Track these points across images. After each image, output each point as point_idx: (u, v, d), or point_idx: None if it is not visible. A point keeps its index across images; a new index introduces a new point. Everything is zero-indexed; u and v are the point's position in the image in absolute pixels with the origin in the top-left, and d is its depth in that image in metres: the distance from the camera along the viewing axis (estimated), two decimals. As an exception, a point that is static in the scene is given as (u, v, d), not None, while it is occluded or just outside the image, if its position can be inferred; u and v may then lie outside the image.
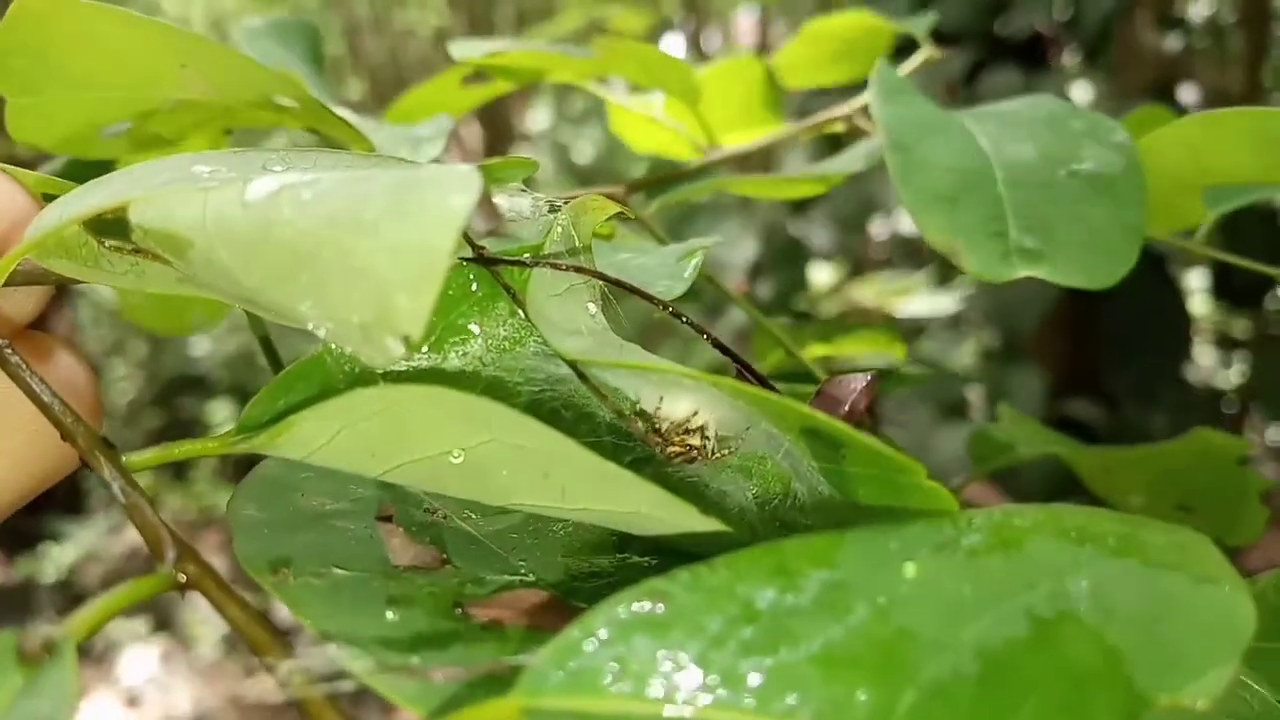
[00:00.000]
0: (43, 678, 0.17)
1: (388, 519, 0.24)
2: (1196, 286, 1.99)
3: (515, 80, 0.52)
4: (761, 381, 0.24)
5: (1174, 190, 0.42)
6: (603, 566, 0.24)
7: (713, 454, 0.23)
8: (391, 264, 0.16)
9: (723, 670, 0.17)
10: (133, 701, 2.77)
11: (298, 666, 0.18)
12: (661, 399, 0.23)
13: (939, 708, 0.17)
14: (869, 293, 1.77)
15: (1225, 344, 2.08)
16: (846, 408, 0.23)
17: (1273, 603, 0.32)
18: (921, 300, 1.72)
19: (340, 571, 0.22)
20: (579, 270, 0.24)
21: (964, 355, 1.67)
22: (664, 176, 0.52)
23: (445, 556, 0.24)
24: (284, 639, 0.19)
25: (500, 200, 0.25)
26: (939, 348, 1.64)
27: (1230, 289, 1.53)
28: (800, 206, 1.70)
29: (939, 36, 0.56)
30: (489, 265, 0.24)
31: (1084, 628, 0.19)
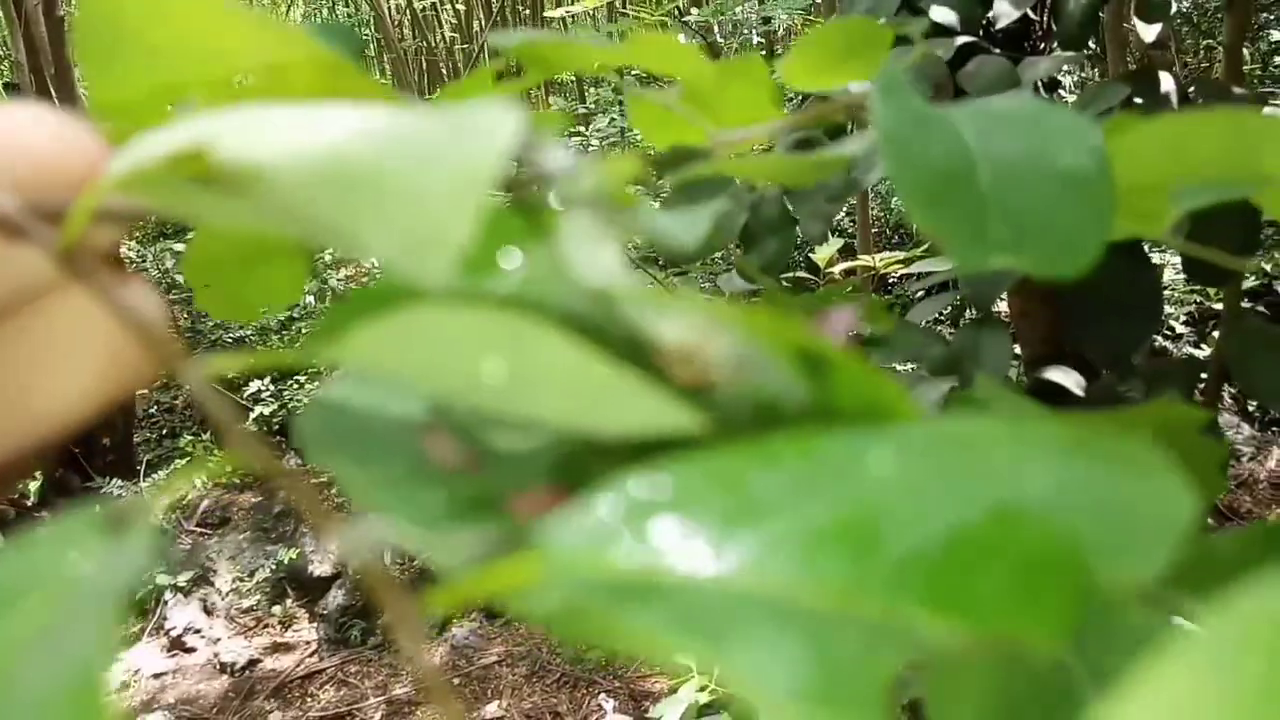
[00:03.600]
0: (121, 544, 0.19)
1: (431, 429, 0.26)
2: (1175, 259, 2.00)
3: (545, 71, 0.53)
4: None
5: (1148, 185, 0.44)
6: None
7: (720, 384, 0.25)
8: (442, 186, 0.18)
9: (715, 538, 0.19)
10: (174, 648, 2.83)
11: (356, 534, 0.20)
12: (676, 333, 0.25)
13: (908, 574, 0.19)
14: (874, 262, 1.79)
15: (1204, 318, 2.09)
16: (837, 333, 0.25)
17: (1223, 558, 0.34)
18: (918, 267, 1.73)
19: (392, 466, 0.24)
20: (609, 215, 0.26)
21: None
22: (677, 157, 0.54)
23: (483, 464, 0.25)
24: (341, 516, 0.21)
25: (539, 152, 0.27)
26: (925, 312, 1.66)
27: (1201, 269, 1.54)
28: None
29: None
30: (523, 207, 0.26)
31: (1037, 514, 0.20)
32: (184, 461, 3.69)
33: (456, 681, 2.65)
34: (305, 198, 0.21)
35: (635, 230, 0.28)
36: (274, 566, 3.14)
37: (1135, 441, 0.23)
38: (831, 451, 0.21)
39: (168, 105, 0.37)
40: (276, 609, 3.07)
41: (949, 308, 1.73)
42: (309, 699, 2.69)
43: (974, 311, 1.59)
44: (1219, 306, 2.00)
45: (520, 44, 0.50)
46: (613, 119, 6.71)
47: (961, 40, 1.59)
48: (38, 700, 0.15)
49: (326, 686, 2.73)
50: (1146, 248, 1.53)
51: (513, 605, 0.19)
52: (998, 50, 1.60)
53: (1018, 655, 0.21)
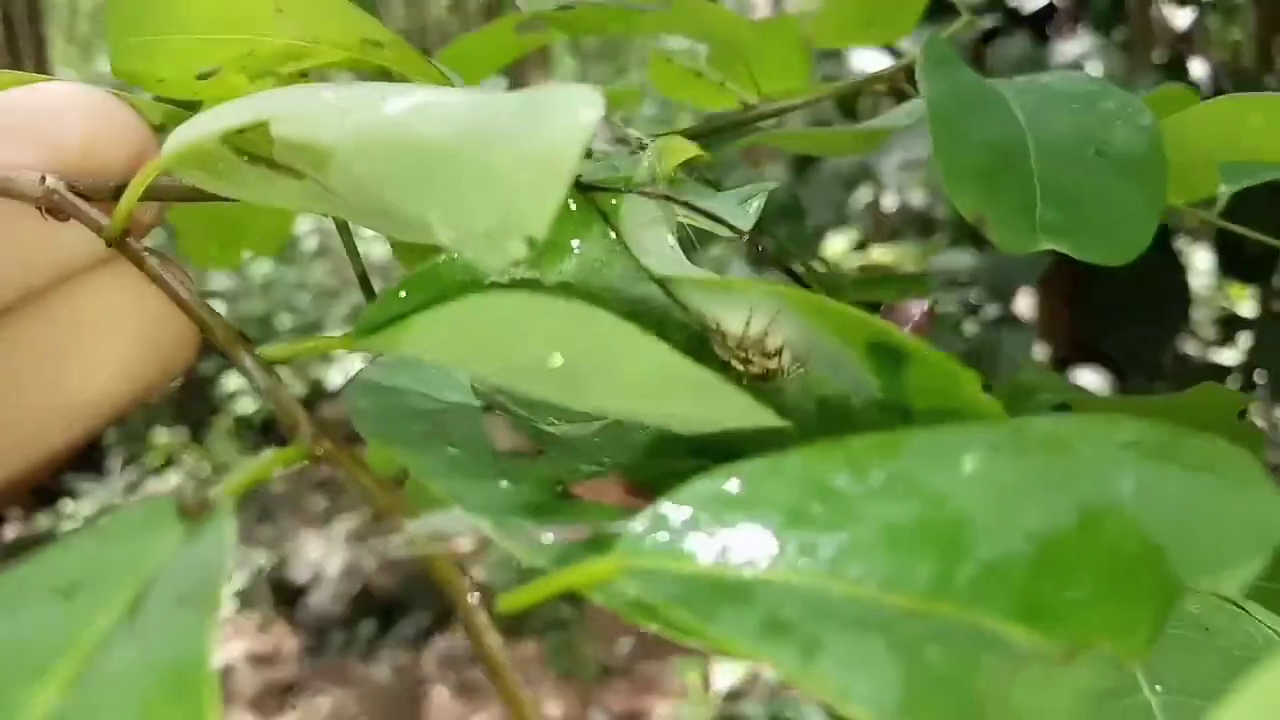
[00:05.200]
0: (201, 531, 0.19)
1: (489, 409, 0.27)
2: (1202, 266, 2.00)
3: (570, 32, 0.54)
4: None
5: (1195, 164, 0.44)
6: (680, 469, 0.26)
7: (786, 374, 0.26)
8: (521, 171, 0.18)
9: (798, 542, 0.19)
10: None
11: (426, 525, 0.20)
12: (742, 320, 0.25)
13: (994, 582, 0.19)
14: (888, 257, 1.79)
15: (1230, 322, 2.09)
16: (911, 326, 0.25)
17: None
18: (936, 262, 1.74)
19: (453, 450, 0.24)
20: (667, 198, 0.26)
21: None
22: (714, 128, 0.54)
23: (541, 447, 0.26)
24: (412, 508, 0.21)
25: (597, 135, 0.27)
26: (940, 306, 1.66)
27: (1239, 263, 1.55)
28: (800, 170, 1.72)
29: (951, 7, 0.57)
30: (586, 191, 0.26)
31: (1127, 521, 0.20)
32: (151, 454, 3.66)
33: (449, 694, 2.64)
34: (372, 176, 0.21)
35: (689, 211, 0.28)
36: (254, 572, 3.12)
37: (1226, 447, 0.23)
38: (916, 450, 0.21)
39: (194, 78, 0.37)
40: (254, 616, 3.05)
41: (964, 305, 1.73)
42: (288, 709, 2.68)
43: (995, 308, 1.59)
44: (1246, 315, 2.01)
45: (559, 7, 0.50)
46: (615, 100, 6.67)
47: (986, 22, 1.59)
48: (133, 688, 0.15)
49: (306, 696, 2.72)
50: (1176, 248, 1.54)
51: (592, 596, 0.19)
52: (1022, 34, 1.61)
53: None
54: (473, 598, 0.19)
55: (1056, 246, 0.37)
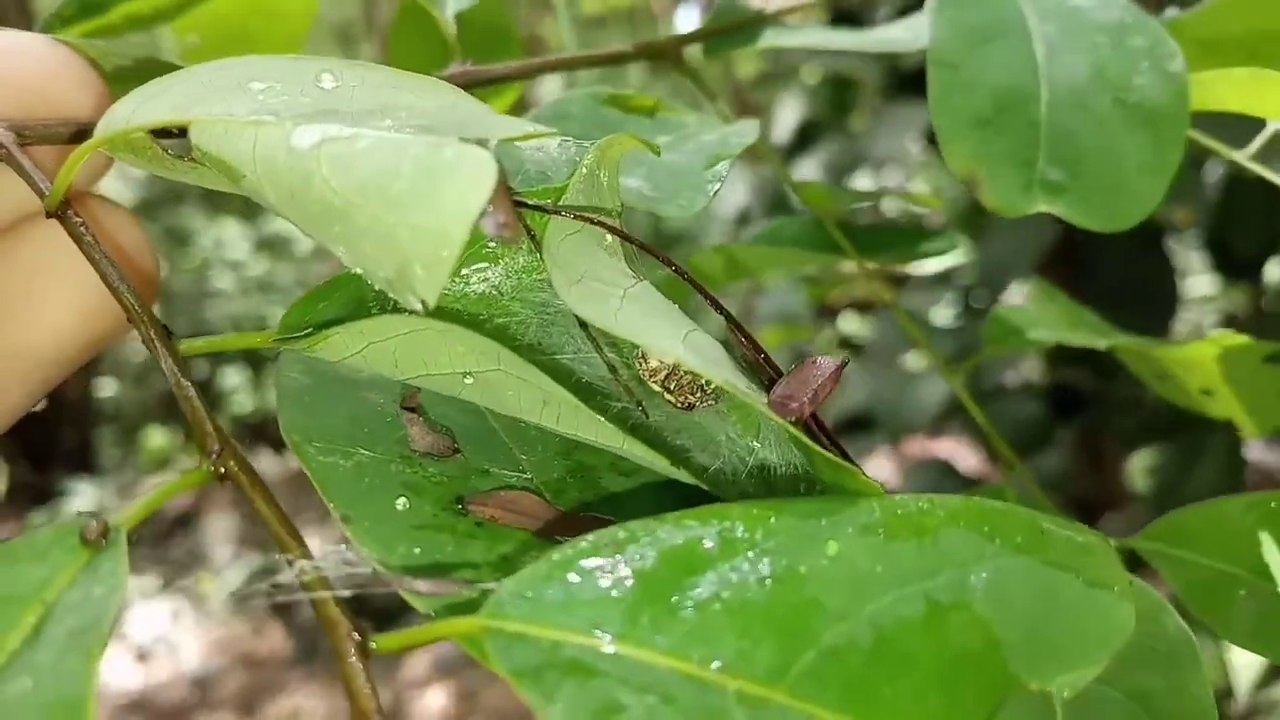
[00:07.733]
0: (99, 562, 0.20)
1: (411, 409, 0.26)
2: (1196, 267, 1.99)
3: None
4: (757, 349, 0.26)
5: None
6: (593, 464, 0.27)
7: (704, 404, 0.26)
8: (412, 240, 0.18)
9: (654, 617, 0.19)
10: (143, 657, 2.76)
11: (312, 566, 0.20)
12: (656, 354, 0.25)
13: (830, 669, 0.19)
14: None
15: (1225, 324, 2.08)
16: (812, 392, 0.25)
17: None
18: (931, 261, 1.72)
19: (365, 453, 0.25)
20: (594, 222, 0.26)
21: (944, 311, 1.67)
22: (722, 27, 0.49)
23: (456, 446, 0.26)
24: (303, 540, 0.21)
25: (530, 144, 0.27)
26: (923, 301, 1.65)
27: (1229, 263, 1.53)
28: (791, 155, 1.70)
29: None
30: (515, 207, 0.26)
31: (974, 615, 0.21)
32: (145, 454, 3.56)
33: (444, 699, 2.59)
34: (280, 204, 0.21)
35: (623, 235, 0.28)
36: (245, 572, 3.07)
37: (1092, 541, 0.23)
38: (788, 528, 0.21)
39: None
40: (248, 618, 2.99)
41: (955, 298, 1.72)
42: (278, 710, 2.64)
43: (986, 300, 1.59)
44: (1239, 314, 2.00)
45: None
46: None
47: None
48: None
49: (297, 698, 2.67)
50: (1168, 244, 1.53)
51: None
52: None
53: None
54: (352, 639, 0.20)
55: (1052, 209, 0.34)
